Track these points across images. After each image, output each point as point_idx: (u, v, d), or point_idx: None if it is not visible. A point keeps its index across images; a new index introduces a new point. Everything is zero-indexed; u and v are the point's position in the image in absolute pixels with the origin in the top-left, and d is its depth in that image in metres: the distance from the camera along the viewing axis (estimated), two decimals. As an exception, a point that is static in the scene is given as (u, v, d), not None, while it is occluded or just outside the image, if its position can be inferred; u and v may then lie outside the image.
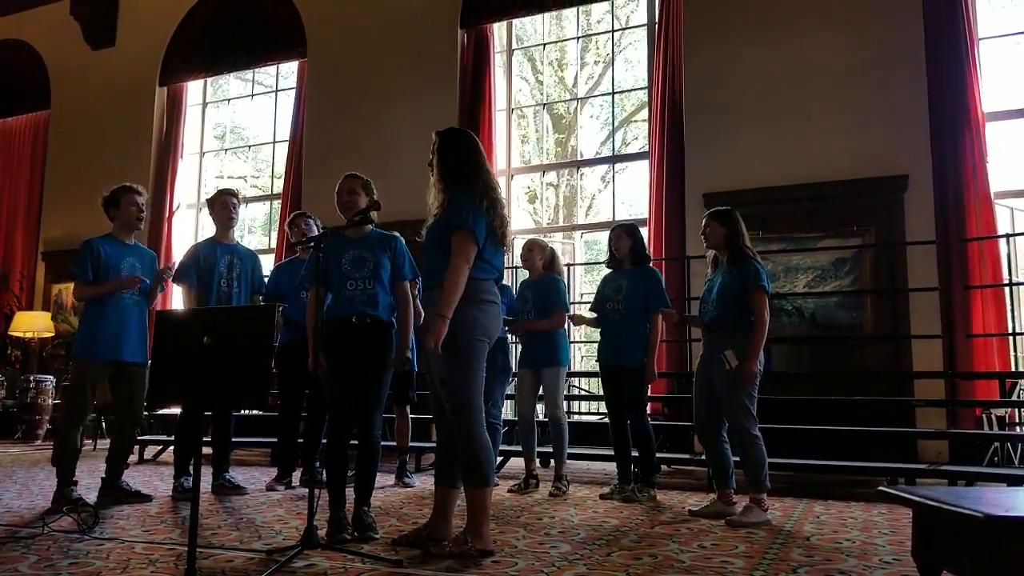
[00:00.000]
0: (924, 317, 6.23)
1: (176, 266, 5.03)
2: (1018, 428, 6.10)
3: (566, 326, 5.32)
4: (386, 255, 3.78)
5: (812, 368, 6.62)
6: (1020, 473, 4.92)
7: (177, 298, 5.67)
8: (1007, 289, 6.13)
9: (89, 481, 4.90)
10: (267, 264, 9.75)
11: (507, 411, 7.95)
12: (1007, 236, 6.18)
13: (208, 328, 2.83)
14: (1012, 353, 6.15)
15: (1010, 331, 6.15)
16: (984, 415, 5.91)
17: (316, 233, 5.12)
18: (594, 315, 5.10)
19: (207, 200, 5.29)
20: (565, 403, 7.81)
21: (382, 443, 3.78)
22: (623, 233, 5.03)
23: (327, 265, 3.68)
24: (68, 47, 10.79)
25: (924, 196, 6.36)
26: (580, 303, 7.61)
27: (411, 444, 5.71)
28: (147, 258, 4.76)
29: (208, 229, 9.63)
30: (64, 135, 10.83)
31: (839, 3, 6.88)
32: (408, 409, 5.51)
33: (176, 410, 5.33)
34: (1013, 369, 6.14)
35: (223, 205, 5.03)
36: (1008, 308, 6.05)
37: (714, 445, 4.23)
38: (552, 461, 5.19)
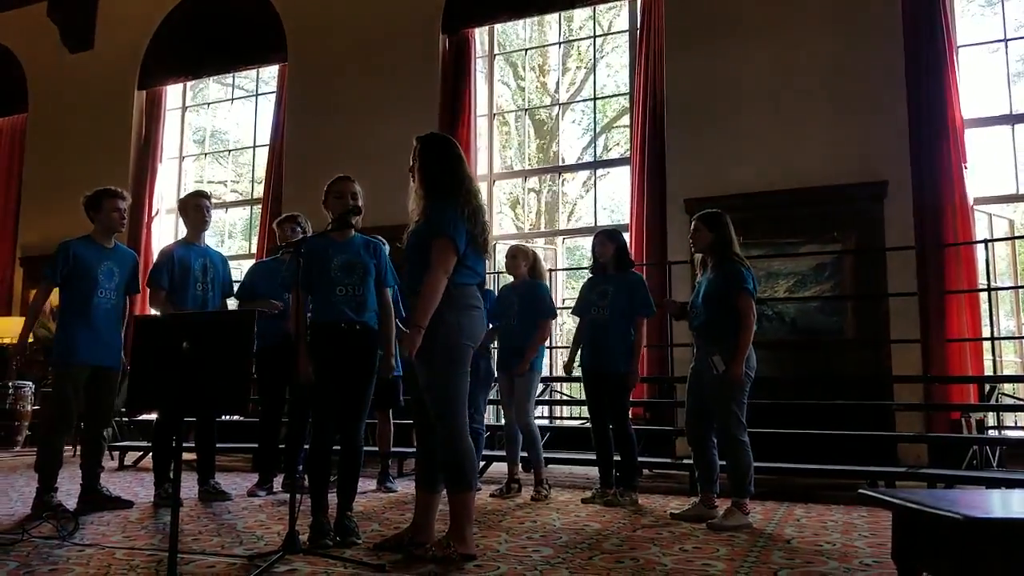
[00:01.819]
0: (903, 322, 6.28)
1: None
2: (995, 432, 6.17)
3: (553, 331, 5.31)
4: (373, 261, 3.79)
5: (793, 372, 6.65)
6: (998, 476, 4.97)
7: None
8: (985, 294, 6.20)
9: (70, 487, 4.84)
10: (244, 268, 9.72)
11: (491, 416, 7.96)
12: (985, 242, 6.25)
13: (187, 333, 2.81)
14: (991, 358, 6.21)
15: (987, 336, 6.21)
16: (963, 419, 5.97)
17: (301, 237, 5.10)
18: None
19: (179, 202, 5.23)
20: (548, 408, 7.88)
21: (364, 448, 3.77)
22: (606, 239, 5.04)
23: (311, 269, 3.66)
24: (46, 50, 10.67)
25: (903, 202, 6.42)
26: (563, 308, 7.62)
27: (393, 449, 5.69)
28: (127, 260, 4.73)
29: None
30: (42, 139, 10.70)
31: (820, 10, 6.94)
32: (391, 414, 5.49)
33: (154, 416, 5.28)
34: (988, 373, 6.20)
35: (197, 208, 4.99)
36: (987, 313, 6.11)
37: (702, 449, 4.24)
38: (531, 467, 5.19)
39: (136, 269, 4.81)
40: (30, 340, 4.62)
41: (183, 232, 5.14)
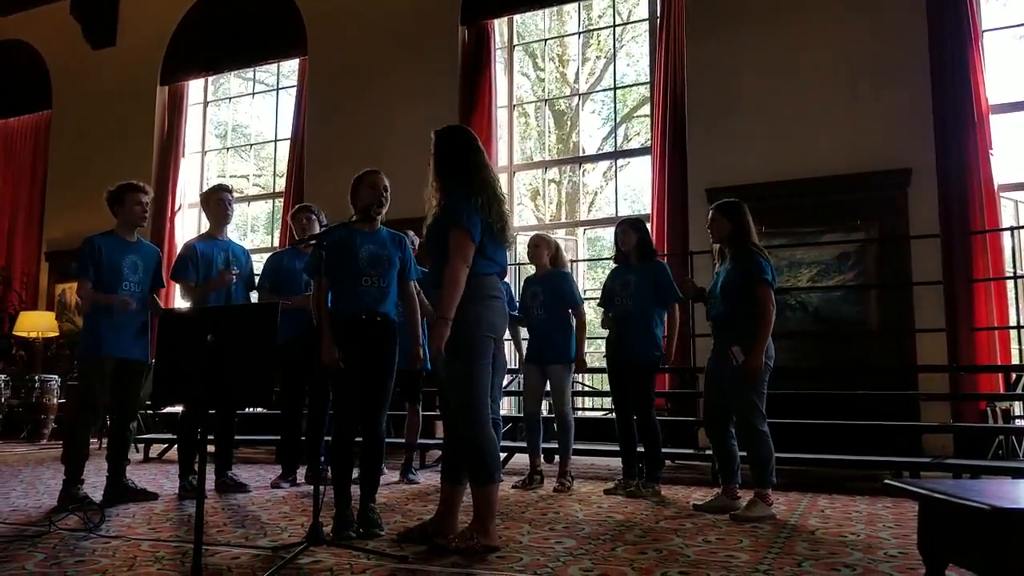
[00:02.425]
0: (928, 311, 6.20)
1: (175, 263, 5.00)
2: (1022, 421, 6.10)
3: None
4: (398, 254, 3.80)
5: (816, 362, 6.60)
6: (1025, 466, 4.91)
7: (178, 295, 5.71)
8: (1011, 282, 6.11)
9: (95, 480, 4.91)
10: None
11: (511, 407, 7.97)
12: (1012, 229, 6.16)
13: (212, 326, 2.83)
14: (1017, 346, 6.13)
15: (1014, 324, 6.13)
16: (989, 408, 5.90)
17: (318, 226, 5.11)
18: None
19: (201, 196, 5.27)
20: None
21: (389, 439, 3.78)
22: (629, 228, 5.03)
23: (338, 258, 3.66)
24: (69, 47, 10.78)
25: (928, 189, 6.33)
26: (585, 299, 7.60)
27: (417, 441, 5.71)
28: (151, 255, 4.77)
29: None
30: (66, 135, 10.83)
31: (841, -3, 6.85)
32: (419, 406, 5.49)
33: (180, 408, 5.33)
34: (1016, 362, 6.12)
35: (219, 202, 5.02)
36: (1014, 301, 6.04)
37: (722, 440, 4.22)
38: (556, 457, 5.19)
39: (159, 264, 4.84)
40: (56, 334, 4.67)
41: (206, 227, 5.17)
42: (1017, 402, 6.01)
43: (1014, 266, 6.08)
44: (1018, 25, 6.89)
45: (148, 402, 6.64)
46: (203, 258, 4.87)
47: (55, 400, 8.79)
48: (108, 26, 10.63)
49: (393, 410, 4.37)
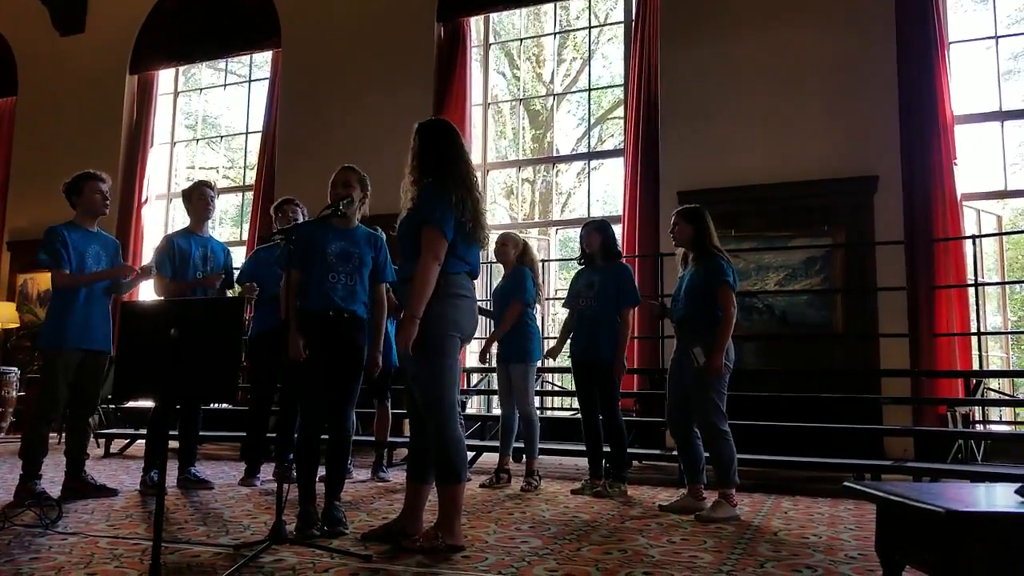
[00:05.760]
0: (892, 316, 6.31)
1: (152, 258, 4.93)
2: (981, 426, 6.21)
3: (538, 319, 5.30)
4: (371, 253, 3.77)
5: (782, 365, 6.68)
6: (983, 470, 5.01)
7: (148, 290, 5.61)
8: (972, 289, 6.23)
9: (54, 475, 4.81)
10: (238, 256, 9.65)
11: (482, 406, 7.97)
12: (973, 237, 6.28)
13: (175, 320, 2.79)
14: (976, 352, 6.25)
15: (974, 331, 6.24)
16: (949, 413, 6.00)
17: (302, 219, 5.07)
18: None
19: (183, 192, 5.19)
20: (539, 399, 7.88)
21: (359, 437, 3.75)
22: (593, 229, 5.06)
23: (307, 252, 3.63)
24: (36, 33, 10.57)
25: (893, 197, 6.45)
26: (555, 299, 7.63)
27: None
28: (111, 246, 4.69)
29: (178, 220, 9.53)
30: (31, 122, 10.61)
31: (814, 5, 6.94)
32: (388, 403, 5.46)
33: (144, 403, 5.24)
34: (976, 367, 6.24)
35: (200, 197, 4.95)
36: (974, 308, 6.15)
37: (686, 441, 4.26)
38: (524, 456, 5.19)
39: (119, 254, 4.76)
40: (16, 325, 4.57)
41: (174, 218, 5.10)
42: (976, 407, 6.12)
43: (975, 274, 6.19)
44: (984, 38, 7.02)
45: (110, 396, 6.53)
46: (180, 253, 4.80)
47: (14, 393, 8.61)
48: (77, 12, 10.44)
49: (361, 407, 4.33)
